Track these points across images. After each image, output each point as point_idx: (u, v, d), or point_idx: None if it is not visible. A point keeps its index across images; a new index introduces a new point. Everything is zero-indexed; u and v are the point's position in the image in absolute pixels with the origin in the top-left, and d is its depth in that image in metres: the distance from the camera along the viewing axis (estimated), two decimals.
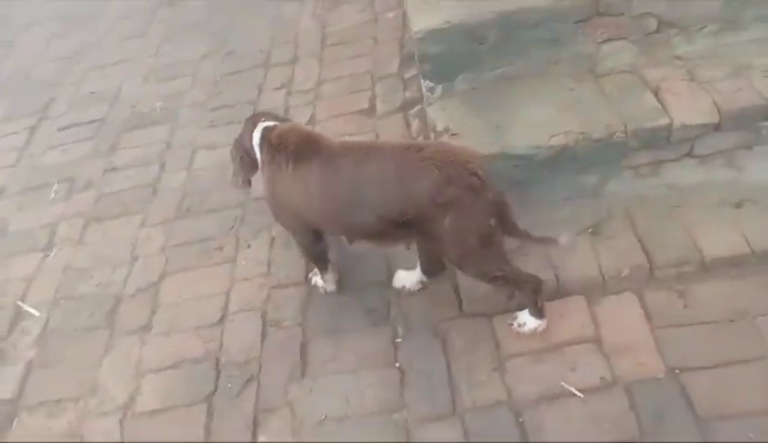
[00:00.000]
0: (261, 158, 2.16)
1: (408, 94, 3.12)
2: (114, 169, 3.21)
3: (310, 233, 2.21)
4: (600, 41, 2.32)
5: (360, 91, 3.23)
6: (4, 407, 2.28)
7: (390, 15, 3.67)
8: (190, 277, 2.59)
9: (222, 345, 2.29)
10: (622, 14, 2.26)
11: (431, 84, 2.38)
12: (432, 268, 2.20)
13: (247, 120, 2.29)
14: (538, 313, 1.99)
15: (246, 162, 2.26)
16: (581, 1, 2.22)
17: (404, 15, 3.60)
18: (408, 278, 2.26)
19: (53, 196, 3.16)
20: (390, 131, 2.96)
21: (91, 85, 3.89)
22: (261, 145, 2.14)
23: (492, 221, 1.85)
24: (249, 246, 2.65)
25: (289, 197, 2.11)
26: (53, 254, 2.85)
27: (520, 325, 2.01)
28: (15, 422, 2.24)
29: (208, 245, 2.70)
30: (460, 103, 2.36)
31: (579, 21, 2.27)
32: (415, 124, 2.94)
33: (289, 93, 3.36)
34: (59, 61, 4.21)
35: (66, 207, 3.07)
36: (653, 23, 2.30)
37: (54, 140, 3.52)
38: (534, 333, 2.00)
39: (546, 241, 1.98)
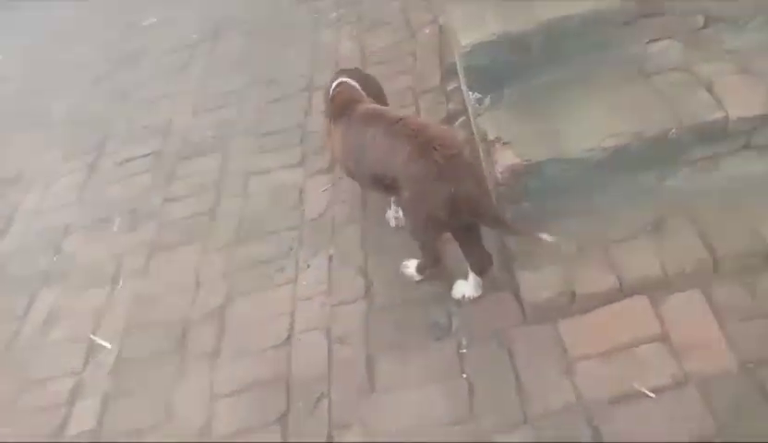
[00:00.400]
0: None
1: (452, 106, 3.17)
2: (173, 199, 3.34)
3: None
4: (647, 41, 2.33)
5: (405, 106, 3.28)
6: (86, 437, 2.38)
7: (427, 31, 3.73)
8: (254, 299, 2.67)
9: (290, 365, 2.36)
10: (668, 12, 2.26)
11: (479, 95, 2.42)
12: (479, 263, 2.24)
13: (336, 73, 2.72)
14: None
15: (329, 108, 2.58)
16: (624, 4, 2.23)
17: (440, 29, 3.67)
18: (466, 285, 2.30)
19: (116, 228, 3.30)
20: None
21: (143, 120, 4.05)
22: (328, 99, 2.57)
23: (442, 213, 2.05)
24: (309, 266, 2.71)
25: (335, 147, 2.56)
26: (120, 285, 2.97)
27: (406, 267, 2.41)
28: None
29: (268, 267, 2.77)
30: (509, 112, 2.39)
31: (624, 24, 2.28)
32: (461, 135, 2.98)
33: None
34: (108, 100, 4.39)
35: (129, 238, 3.20)
36: (699, 20, 2.29)
37: (112, 175, 3.68)
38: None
39: (532, 236, 2.11)
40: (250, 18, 4.64)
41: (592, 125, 2.23)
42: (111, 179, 3.65)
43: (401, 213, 2.55)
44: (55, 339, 2.81)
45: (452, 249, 2.32)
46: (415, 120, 2.32)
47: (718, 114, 2.12)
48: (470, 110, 2.67)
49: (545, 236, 2.04)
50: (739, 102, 2.14)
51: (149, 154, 3.71)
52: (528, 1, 2.39)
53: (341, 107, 2.45)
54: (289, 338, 2.46)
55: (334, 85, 2.55)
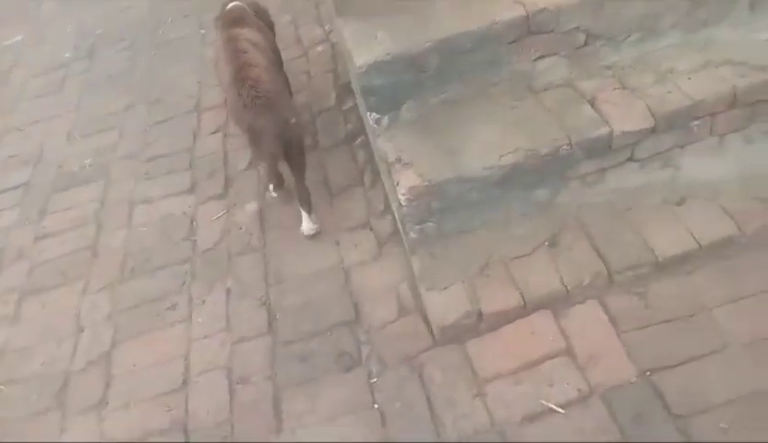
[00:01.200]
0: None
1: (349, 126, 3.11)
2: (47, 235, 3.02)
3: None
4: (534, 58, 2.38)
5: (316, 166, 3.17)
6: None
7: (319, 49, 3.66)
8: (144, 342, 2.45)
9: (188, 411, 2.18)
10: (552, 31, 2.33)
11: (377, 116, 2.37)
12: (299, 196, 2.65)
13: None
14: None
15: None
16: (511, 22, 2.27)
17: (333, 47, 3.62)
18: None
19: None
20: (337, 164, 2.94)
21: (10, 148, 3.66)
22: None
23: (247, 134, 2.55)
24: (204, 302, 2.54)
25: None
26: None
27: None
28: None
29: (159, 305, 2.57)
30: (408, 132, 2.35)
31: (512, 42, 2.32)
32: (361, 155, 2.93)
33: (225, 136, 3.27)
34: None
35: None
36: (581, 37, 2.37)
37: None
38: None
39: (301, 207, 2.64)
40: (130, 35, 4.35)
41: (488, 142, 2.24)
42: None
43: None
44: None
45: None
46: (248, 45, 2.69)
47: (604, 130, 2.20)
48: (368, 130, 2.62)
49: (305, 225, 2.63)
50: (621, 117, 2.23)
51: (18, 186, 3.35)
52: (418, 18, 2.37)
53: (226, 22, 2.85)
54: (185, 382, 2.28)
55: (229, 5, 2.93)
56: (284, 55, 3.38)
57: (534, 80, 2.42)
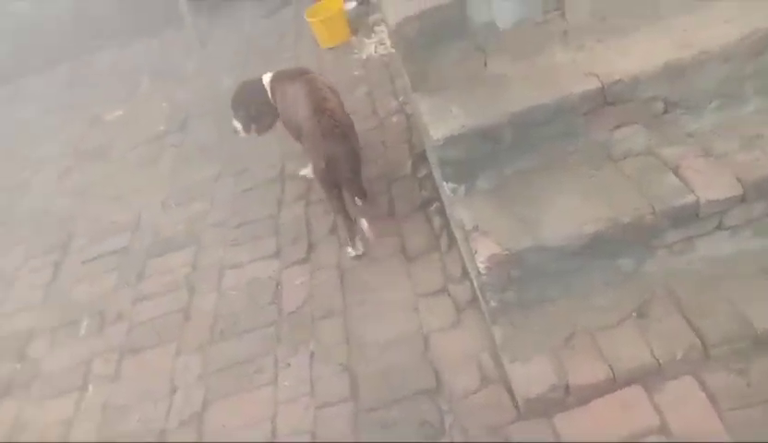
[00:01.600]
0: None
1: (425, 193, 3.20)
2: (144, 298, 3.23)
3: None
4: (611, 128, 2.41)
5: (378, 194, 3.30)
6: None
7: (394, 119, 3.82)
8: (233, 403, 2.55)
9: None
10: (629, 100, 2.35)
11: (454, 185, 2.44)
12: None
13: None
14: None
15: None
16: (585, 94, 2.31)
17: (407, 118, 3.77)
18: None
19: (83, 332, 3.16)
20: (413, 230, 3.02)
21: (110, 216, 3.96)
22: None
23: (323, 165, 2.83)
24: (289, 365, 2.62)
25: None
26: (89, 392, 2.82)
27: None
28: None
29: (247, 367, 2.67)
30: (485, 201, 2.41)
31: (587, 113, 2.36)
32: (436, 221, 3.01)
33: (308, 204, 3.43)
34: (75, 195, 4.31)
35: (98, 342, 3.07)
36: (659, 106, 2.39)
37: (79, 274, 3.56)
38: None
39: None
40: (217, 108, 4.66)
41: (567, 211, 2.26)
42: (77, 278, 3.53)
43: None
44: None
45: None
46: (323, 86, 3.02)
47: (689, 198, 2.17)
48: (444, 198, 2.68)
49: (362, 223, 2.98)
50: (707, 185, 2.20)
51: (116, 251, 3.61)
52: (491, 92, 2.45)
53: (293, 73, 3.20)
54: None
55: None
56: (361, 125, 3.58)
57: (613, 149, 2.43)
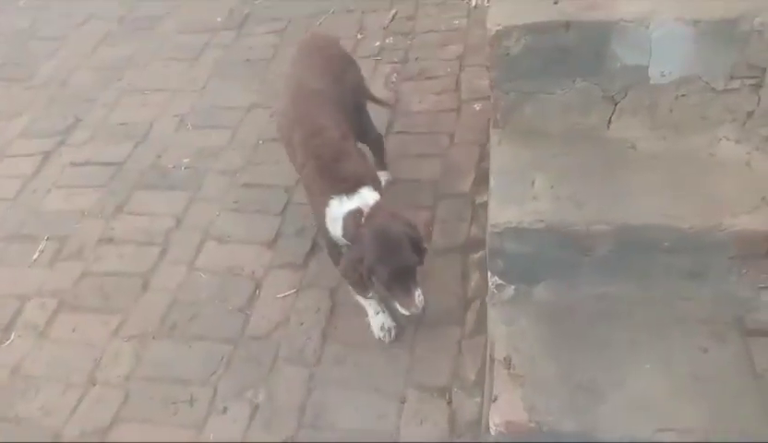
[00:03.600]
0: None
1: (474, 230, 2.43)
2: (112, 239, 2.70)
3: None
4: (763, 286, 1.55)
5: (418, 208, 2.55)
6: None
7: (477, 107, 2.96)
8: (144, 434, 2.04)
9: None
10: None
11: (501, 282, 1.68)
12: None
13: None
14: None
15: None
16: (747, 234, 1.45)
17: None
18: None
19: (36, 256, 2.68)
20: (441, 279, 2.29)
21: (125, 113, 3.39)
22: None
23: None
24: (225, 411, 2.05)
25: None
26: (9, 341, 2.38)
27: None
28: None
29: (178, 391, 2.14)
30: (535, 323, 1.65)
31: (736, 257, 1.51)
32: (475, 278, 2.25)
33: None
34: (101, 72, 3.74)
35: (44, 275, 2.60)
36: None
37: (63, 177, 3.06)
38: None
39: None
40: (287, 15, 3.88)
41: (646, 399, 1.48)
42: (57, 183, 3.04)
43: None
44: None
45: None
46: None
47: None
48: (488, 294, 1.88)
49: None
50: None
51: (110, 164, 3.07)
52: (605, 170, 1.61)
53: None
54: None
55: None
56: (433, 102, 2.90)
57: (751, 315, 1.58)
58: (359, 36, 3.62)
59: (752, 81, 1.55)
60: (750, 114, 1.60)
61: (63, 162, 3.15)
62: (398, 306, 1.96)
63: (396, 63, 3.36)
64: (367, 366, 2.10)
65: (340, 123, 2.17)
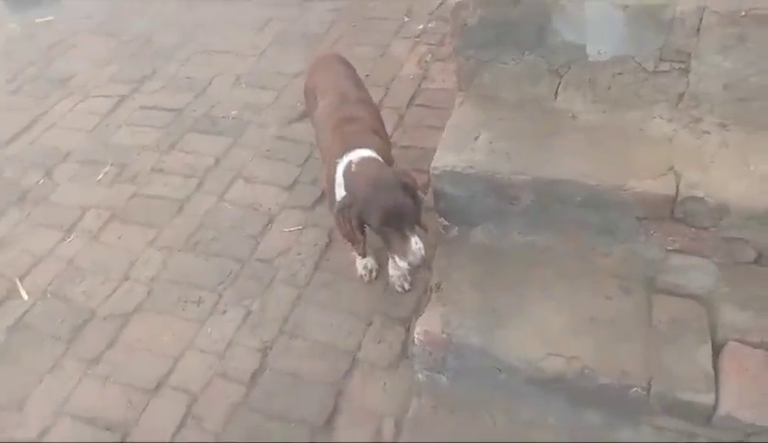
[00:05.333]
0: None
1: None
2: (162, 170, 3.16)
3: None
4: (670, 248, 1.74)
5: (419, 171, 2.82)
6: None
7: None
8: (157, 322, 2.45)
9: (139, 420, 2.14)
10: (706, 228, 1.66)
11: (446, 223, 1.96)
12: None
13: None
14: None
15: None
16: (648, 197, 1.65)
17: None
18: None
19: (100, 176, 3.19)
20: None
21: (192, 68, 3.89)
22: None
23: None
24: (224, 313, 2.44)
25: None
26: (70, 240, 2.88)
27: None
28: None
29: (191, 292, 2.54)
30: (468, 259, 1.91)
31: (642, 219, 1.70)
32: None
33: None
34: (180, 31, 4.27)
35: (104, 193, 3.09)
36: (750, 253, 1.66)
37: (133, 118, 3.57)
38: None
39: None
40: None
41: (546, 329, 1.72)
42: (126, 121, 3.55)
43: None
44: None
45: None
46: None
47: (706, 399, 1.53)
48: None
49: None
50: (742, 402, 1.53)
51: (171, 110, 3.55)
52: (544, 133, 1.84)
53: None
54: (157, 388, 2.23)
55: None
56: (453, 81, 3.03)
57: (660, 276, 1.78)
58: (406, 18, 3.94)
59: (681, 65, 1.72)
60: (680, 96, 1.77)
61: (134, 106, 3.66)
62: (396, 259, 1.90)
63: (432, 45, 3.65)
64: (347, 293, 2.42)
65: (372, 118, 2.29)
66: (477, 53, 1.92)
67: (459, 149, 1.84)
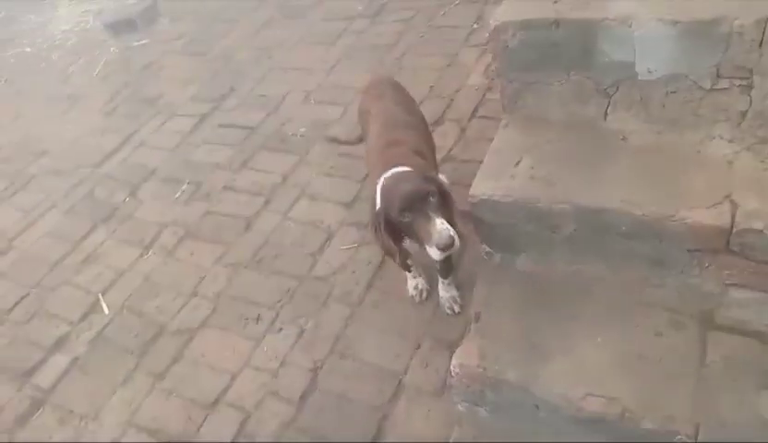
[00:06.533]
0: None
1: None
2: (232, 187, 3.31)
3: None
4: (729, 282, 1.57)
5: (466, 186, 2.76)
6: (40, 394, 2.57)
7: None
8: (220, 338, 2.57)
9: (196, 435, 2.25)
10: (766, 263, 1.48)
11: (489, 249, 1.89)
12: None
13: None
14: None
15: None
16: (700, 228, 1.49)
17: None
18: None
19: (178, 195, 3.38)
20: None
21: (266, 86, 4.03)
22: None
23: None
24: (280, 331, 2.52)
25: None
26: (147, 256, 3.08)
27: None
28: (39, 412, 2.51)
29: (251, 310, 2.64)
30: (511, 288, 1.83)
31: (694, 251, 1.55)
32: None
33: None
34: (259, 51, 4.44)
35: (180, 211, 3.27)
36: None
37: (211, 136, 3.76)
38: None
39: None
40: (416, 5, 4.23)
41: (588, 366, 1.61)
42: (205, 139, 3.74)
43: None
44: (77, 281, 3.02)
45: None
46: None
47: None
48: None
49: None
50: None
51: (245, 128, 3.70)
52: (594, 157, 1.73)
53: None
54: (215, 402, 2.34)
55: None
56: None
57: (719, 311, 1.61)
58: (475, 26, 3.85)
59: (742, 82, 1.54)
60: (743, 114, 1.59)
61: (213, 124, 3.86)
62: (427, 249, 1.76)
63: None
64: (397, 314, 2.42)
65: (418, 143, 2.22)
66: (520, 76, 1.84)
67: (498, 176, 1.78)
